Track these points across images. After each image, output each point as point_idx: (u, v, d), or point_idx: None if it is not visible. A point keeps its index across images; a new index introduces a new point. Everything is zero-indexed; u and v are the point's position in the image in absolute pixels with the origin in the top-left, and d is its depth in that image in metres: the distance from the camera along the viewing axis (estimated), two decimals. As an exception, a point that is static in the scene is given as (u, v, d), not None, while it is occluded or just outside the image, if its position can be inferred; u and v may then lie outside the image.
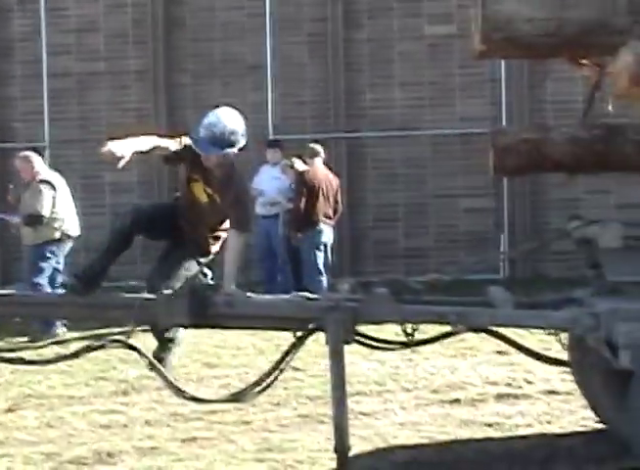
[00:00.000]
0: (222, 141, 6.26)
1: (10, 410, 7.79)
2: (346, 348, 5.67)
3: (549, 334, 5.78)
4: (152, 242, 13.68)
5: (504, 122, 14.04)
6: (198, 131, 6.33)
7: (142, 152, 6.33)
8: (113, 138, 6.17)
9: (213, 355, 9.65)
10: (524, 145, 5.75)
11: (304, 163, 12.21)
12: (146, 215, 6.69)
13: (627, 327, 5.13)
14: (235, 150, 6.38)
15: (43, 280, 10.57)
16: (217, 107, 6.57)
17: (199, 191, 6.53)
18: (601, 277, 5.63)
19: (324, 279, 11.72)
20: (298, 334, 5.77)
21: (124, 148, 6.09)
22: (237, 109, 6.56)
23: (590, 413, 6.85)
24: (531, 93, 14.14)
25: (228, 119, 6.35)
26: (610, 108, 6.01)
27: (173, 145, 6.48)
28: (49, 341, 10.16)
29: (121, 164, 6.01)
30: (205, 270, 6.69)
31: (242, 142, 6.38)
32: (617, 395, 5.79)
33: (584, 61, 6.06)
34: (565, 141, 5.73)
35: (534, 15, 5.40)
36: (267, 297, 6.16)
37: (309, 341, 5.93)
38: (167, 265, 6.61)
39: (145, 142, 6.37)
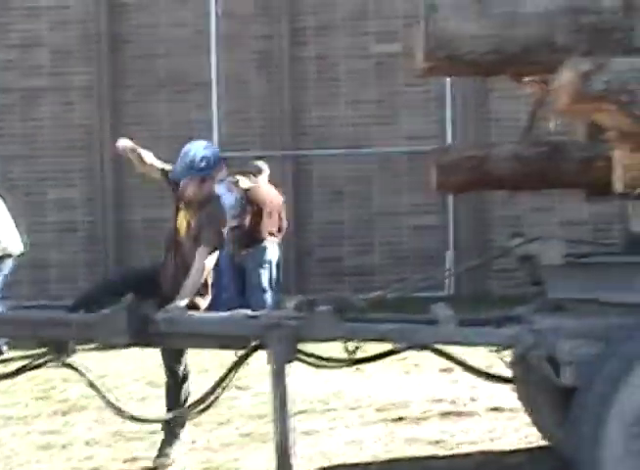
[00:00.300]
0: (193, 167, 6.50)
1: (-53, 431, 7.66)
2: (290, 366, 5.61)
3: (492, 351, 5.76)
4: (94, 259, 13.61)
5: (449, 140, 14.10)
6: (175, 165, 6.65)
7: (141, 161, 6.81)
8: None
9: (156, 374, 9.50)
10: (467, 162, 5.75)
11: (249, 180, 12.17)
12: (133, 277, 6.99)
13: (569, 344, 5.11)
14: (207, 173, 6.57)
15: None
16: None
17: (181, 220, 6.67)
18: (543, 294, 5.62)
19: (268, 297, 11.68)
20: (240, 352, 5.71)
21: (134, 147, 6.80)
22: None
23: (534, 430, 6.85)
24: (476, 111, 14.21)
25: (199, 148, 6.61)
26: (552, 125, 6.02)
27: (164, 167, 6.80)
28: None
29: (121, 144, 6.83)
30: None
31: (214, 167, 6.62)
32: (560, 411, 5.78)
33: (527, 78, 6.07)
34: (507, 158, 5.74)
35: (477, 32, 5.40)
36: (209, 314, 6.07)
37: (252, 359, 5.88)
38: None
39: (146, 154, 6.82)
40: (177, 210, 6.74)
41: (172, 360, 6.71)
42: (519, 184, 5.94)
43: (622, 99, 4.68)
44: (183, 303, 6.09)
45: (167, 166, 6.77)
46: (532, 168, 5.78)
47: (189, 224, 6.60)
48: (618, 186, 5.31)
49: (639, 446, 4.63)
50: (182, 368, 6.75)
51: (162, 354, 6.76)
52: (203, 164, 6.52)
